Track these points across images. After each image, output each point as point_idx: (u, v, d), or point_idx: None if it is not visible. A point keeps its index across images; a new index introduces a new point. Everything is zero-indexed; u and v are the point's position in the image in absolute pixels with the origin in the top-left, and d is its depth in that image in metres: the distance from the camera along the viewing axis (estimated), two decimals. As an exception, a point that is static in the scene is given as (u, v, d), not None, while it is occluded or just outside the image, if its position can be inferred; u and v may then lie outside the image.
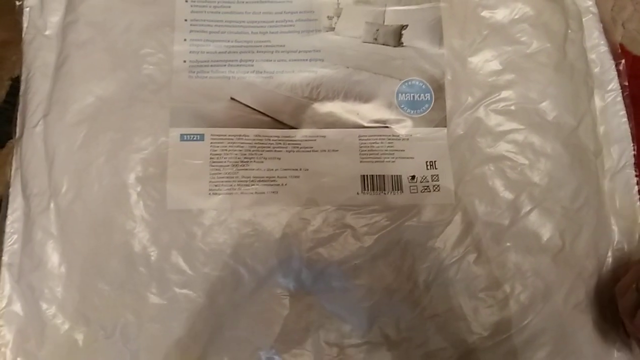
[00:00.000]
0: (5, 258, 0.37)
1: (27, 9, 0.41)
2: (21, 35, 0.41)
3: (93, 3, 0.39)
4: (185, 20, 0.39)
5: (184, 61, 0.39)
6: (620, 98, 0.42)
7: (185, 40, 0.39)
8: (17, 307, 0.36)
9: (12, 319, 0.36)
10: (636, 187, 0.40)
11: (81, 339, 0.35)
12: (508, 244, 0.37)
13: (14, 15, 0.42)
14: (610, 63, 0.42)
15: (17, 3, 0.41)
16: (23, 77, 0.40)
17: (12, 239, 0.37)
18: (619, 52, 0.43)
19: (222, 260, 0.36)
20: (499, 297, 0.36)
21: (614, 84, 0.42)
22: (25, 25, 0.41)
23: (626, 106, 0.42)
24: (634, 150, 0.41)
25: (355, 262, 0.36)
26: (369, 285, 0.36)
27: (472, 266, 0.36)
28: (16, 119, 0.40)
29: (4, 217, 0.38)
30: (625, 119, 0.41)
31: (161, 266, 0.35)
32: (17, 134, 0.39)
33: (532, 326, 0.36)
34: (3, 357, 0.36)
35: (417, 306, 0.36)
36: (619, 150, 0.41)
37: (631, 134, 0.41)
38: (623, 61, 0.43)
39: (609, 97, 0.42)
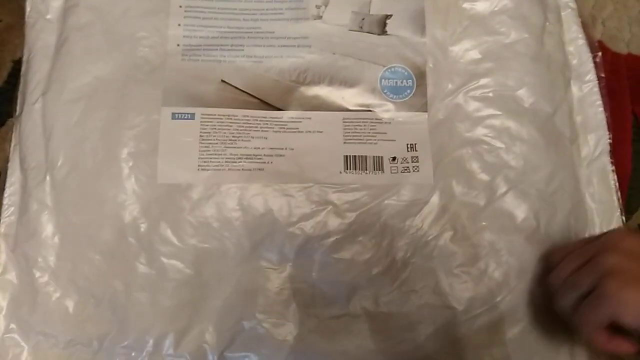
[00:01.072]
0: (1, 229, 0.38)
1: (30, -7, 0.43)
2: (24, 19, 0.43)
3: (93, -12, 0.41)
4: (180, 6, 0.41)
5: (178, 45, 0.40)
6: (597, 89, 0.43)
7: (179, 25, 0.41)
8: (12, 275, 0.37)
9: (7, 287, 0.37)
10: (612, 174, 0.42)
11: (71, 306, 0.37)
12: (484, 223, 0.38)
13: (17, 1, 0.44)
14: (587, 55, 0.44)
15: (21, -11, 0.43)
16: (24, 58, 0.42)
17: (9, 211, 0.39)
18: (596, 45, 0.45)
19: (208, 233, 0.37)
20: (474, 274, 0.37)
21: (591, 75, 0.44)
22: (28, 9, 0.42)
23: (602, 97, 0.43)
24: (609, 139, 0.43)
25: (337, 237, 0.37)
26: (349, 259, 0.37)
27: (449, 244, 0.37)
28: (17, 97, 0.42)
29: (2, 190, 0.39)
30: (601, 109, 0.43)
31: (150, 237, 0.37)
32: (17, 112, 0.41)
33: (506, 302, 0.37)
34: (-3, 322, 0.37)
35: (395, 281, 0.37)
36: (596, 138, 0.42)
37: (607, 123, 0.43)
38: (600, 54, 0.44)
39: (586, 88, 0.43)
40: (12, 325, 0.37)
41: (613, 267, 0.31)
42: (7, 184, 0.39)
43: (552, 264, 0.35)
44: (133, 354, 0.36)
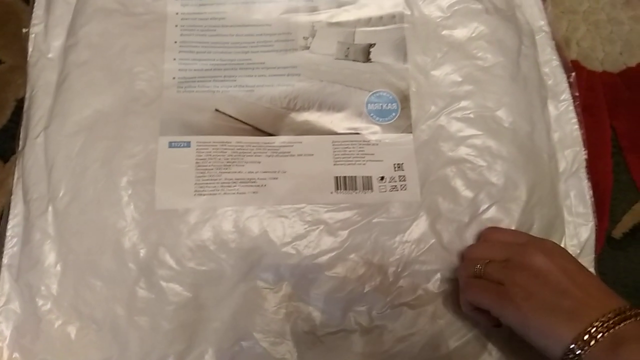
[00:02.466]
0: (5, 260, 0.39)
1: (33, 35, 0.45)
2: (26, 60, 0.45)
3: (92, 28, 0.43)
4: (175, 42, 0.44)
5: (173, 78, 0.42)
6: (572, 107, 0.45)
7: (174, 59, 0.43)
8: (15, 304, 0.38)
9: (10, 316, 0.38)
10: (587, 188, 0.44)
11: (74, 333, 0.37)
12: (468, 237, 0.39)
13: (20, 44, 0.46)
14: (562, 76, 0.46)
15: (24, 30, 0.45)
16: (27, 96, 0.44)
17: (12, 242, 0.40)
18: (570, 66, 0.47)
19: (206, 255, 0.38)
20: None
21: (566, 95, 0.46)
22: (30, 49, 0.45)
23: (578, 114, 0.46)
24: (585, 155, 0.44)
25: (330, 255, 0.38)
26: (342, 276, 0.38)
27: (436, 258, 0.39)
28: (19, 133, 0.43)
29: (6, 222, 0.41)
30: (577, 126, 0.45)
31: (149, 262, 0.38)
32: (20, 146, 0.42)
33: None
34: (0, 352, 0.38)
35: (388, 295, 0.38)
36: (572, 154, 0.44)
37: (583, 139, 0.45)
38: (574, 74, 0.47)
39: (562, 106, 0.46)
40: (16, 354, 0.37)
41: (527, 274, 0.32)
42: (10, 216, 0.40)
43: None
44: (135, 378, 0.37)
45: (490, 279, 0.34)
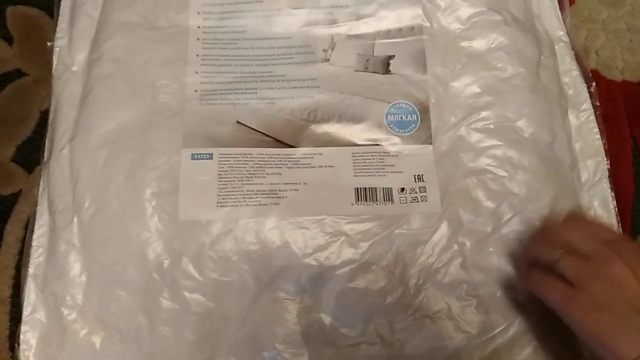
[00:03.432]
0: (31, 270, 0.40)
1: (57, 48, 0.46)
2: (50, 72, 0.46)
3: (115, 42, 0.44)
4: (197, 55, 0.44)
5: (196, 91, 0.43)
6: (593, 117, 0.45)
7: (196, 72, 0.44)
8: (41, 314, 0.39)
9: (36, 325, 0.39)
10: (611, 198, 0.43)
11: (98, 342, 0.38)
12: (491, 249, 0.39)
13: (44, 56, 0.47)
14: (582, 86, 0.46)
15: (49, 44, 0.46)
16: (52, 108, 0.44)
17: (37, 252, 0.40)
18: (590, 75, 0.47)
19: (228, 266, 0.38)
20: (485, 298, 0.38)
21: (587, 104, 0.46)
22: (55, 62, 0.45)
23: (599, 124, 0.45)
24: (607, 164, 0.44)
25: (351, 266, 0.38)
26: (363, 288, 0.38)
27: (459, 270, 0.39)
28: (44, 145, 0.44)
29: (31, 232, 0.42)
30: (598, 136, 0.45)
31: (173, 273, 0.38)
32: (45, 158, 0.43)
33: (517, 325, 0.38)
34: (26, 360, 0.39)
35: (409, 308, 0.38)
36: (594, 164, 0.44)
37: (604, 149, 0.45)
38: (594, 83, 0.47)
39: (583, 116, 0.45)
40: (41, 363, 0.38)
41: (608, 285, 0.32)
42: (35, 227, 0.41)
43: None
44: (158, 388, 0.37)
45: (562, 273, 0.33)
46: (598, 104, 0.46)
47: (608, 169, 0.44)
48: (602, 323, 0.31)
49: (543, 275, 0.34)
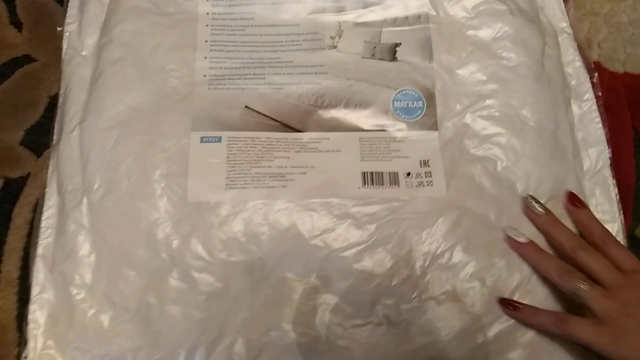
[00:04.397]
0: (39, 250, 0.40)
1: (67, 33, 0.46)
2: (59, 58, 0.46)
3: (125, 27, 0.44)
4: (206, 41, 0.45)
5: (204, 75, 0.44)
6: (595, 107, 0.46)
7: (205, 58, 0.44)
8: (49, 294, 0.39)
9: (44, 305, 0.39)
10: (613, 186, 0.44)
11: (107, 321, 0.38)
12: (494, 233, 0.40)
13: (53, 42, 0.48)
14: (585, 76, 0.47)
15: (59, 29, 0.47)
16: (61, 91, 0.45)
17: (46, 233, 0.41)
18: (592, 67, 0.48)
19: (237, 247, 0.39)
20: (489, 281, 0.39)
21: (589, 95, 0.46)
22: (65, 47, 0.46)
23: (601, 114, 0.46)
24: (609, 152, 0.45)
25: (358, 248, 0.39)
26: (370, 270, 0.39)
27: (464, 253, 0.39)
28: (53, 128, 0.45)
29: (40, 213, 0.42)
30: (600, 125, 0.46)
31: (182, 253, 0.39)
32: (55, 140, 0.44)
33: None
34: (35, 339, 0.39)
35: (415, 290, 0.39)
36: (596, 152, 0.45)
37: (606, 138, 0.45)
38: (596, 74, 0.47)
39: (585, 106, 0.46)
40: (50, 342, 0.38)
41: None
42: (44, 208, 0.42)
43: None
44: (166, 367, 0.38)
45: (587, 306, 0.35)
46: (600, 94, 0.47)
47: (610, 157, 0.45)
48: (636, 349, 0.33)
49: (566, 316, 0.36)
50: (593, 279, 0.36)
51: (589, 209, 0.41)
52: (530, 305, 0.38)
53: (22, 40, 0.50)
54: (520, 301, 0.38)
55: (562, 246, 0.38)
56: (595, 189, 0.44)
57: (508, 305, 0.38)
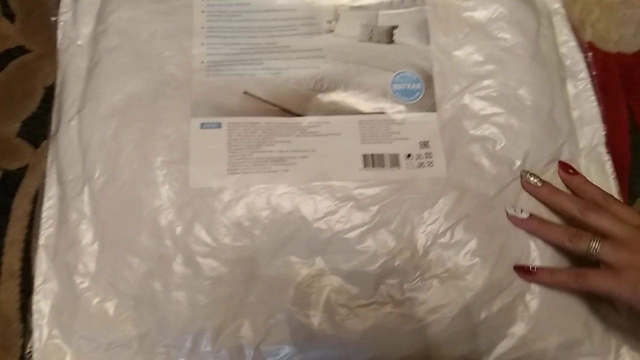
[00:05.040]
0: (41, 240, 0.40)
1: (62, 23, 0.46)
2: (54, 49, 0.46)
3: (121, 15, 0.44)
4: (202, 27, 0.44)
5: (202, 62, 0.43)
6: (590, 86, 0.47)
7: (202, 44, 0.44)
8: (53, 284, 0.39)
9: (48, 295, 0.39)
10: (608, 163, 0.45)
11: (112, 309, 0.38)
12: (494, 211, 0.40)
13: (47, 33, 0.47)
14: (579, 56, 0.48)
15: (52, 19, 0.46)
16: (58, 81, 0.45)
17: (47, 223, 0.41)
18: (586, 47, 0.48)
19: (240, 232, 0.39)
20: (490, 257, 0.39)
21: (584, 74, 0.47)
22: (60, 37, 0.46)
23: (596, 93, 0.47)
24: (604, 130, 0.46)
25: (360, 229, 0.39)
26: (373, 250, 0.39)
27: (465, 231, 0.40)
28: (51, 118, 0.44)
29: (41, 204, 0.42)
30: (595, 104, 0.46)
31: (186, 239, 0.39)
32: (53, 130, 0.43)
33: (522, 283, 0.39)
34: (40, 329, 0.39)
35: (418, 269, 0.39)
36: (592, 131, 0.46)
37: (602, 116, 0.46)
38: (590, 54, 0.48)
39: (580, 85, 0.47)
40: (55, 331, 0.38)
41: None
42: (45, 199, 0.41)
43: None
44: (172, 352, 0.38)
45: (600, 260, 0.36)
46: (594, 73, 0.47)
47: (605, 135, 0.45)
48: None
49: (584, 270, 0.37)
50: (604, 236, 0.36)
51: (582, 175, 0.42)
52: (546, 267, 0.39)
53: (15, 31, 0.50)
54: (534, 265, 0.39)
55: (568, 211, 0.39)
56: (591, 167, 0.45)
57: (524, 270, 0.38)
